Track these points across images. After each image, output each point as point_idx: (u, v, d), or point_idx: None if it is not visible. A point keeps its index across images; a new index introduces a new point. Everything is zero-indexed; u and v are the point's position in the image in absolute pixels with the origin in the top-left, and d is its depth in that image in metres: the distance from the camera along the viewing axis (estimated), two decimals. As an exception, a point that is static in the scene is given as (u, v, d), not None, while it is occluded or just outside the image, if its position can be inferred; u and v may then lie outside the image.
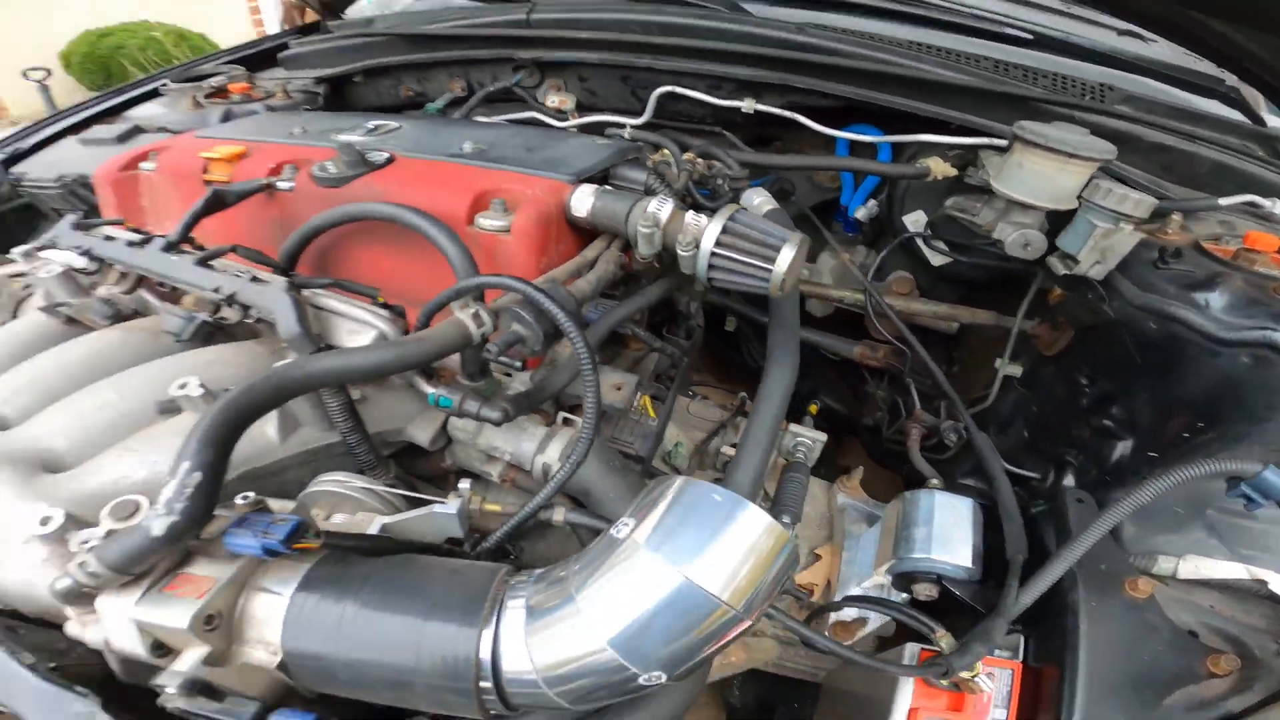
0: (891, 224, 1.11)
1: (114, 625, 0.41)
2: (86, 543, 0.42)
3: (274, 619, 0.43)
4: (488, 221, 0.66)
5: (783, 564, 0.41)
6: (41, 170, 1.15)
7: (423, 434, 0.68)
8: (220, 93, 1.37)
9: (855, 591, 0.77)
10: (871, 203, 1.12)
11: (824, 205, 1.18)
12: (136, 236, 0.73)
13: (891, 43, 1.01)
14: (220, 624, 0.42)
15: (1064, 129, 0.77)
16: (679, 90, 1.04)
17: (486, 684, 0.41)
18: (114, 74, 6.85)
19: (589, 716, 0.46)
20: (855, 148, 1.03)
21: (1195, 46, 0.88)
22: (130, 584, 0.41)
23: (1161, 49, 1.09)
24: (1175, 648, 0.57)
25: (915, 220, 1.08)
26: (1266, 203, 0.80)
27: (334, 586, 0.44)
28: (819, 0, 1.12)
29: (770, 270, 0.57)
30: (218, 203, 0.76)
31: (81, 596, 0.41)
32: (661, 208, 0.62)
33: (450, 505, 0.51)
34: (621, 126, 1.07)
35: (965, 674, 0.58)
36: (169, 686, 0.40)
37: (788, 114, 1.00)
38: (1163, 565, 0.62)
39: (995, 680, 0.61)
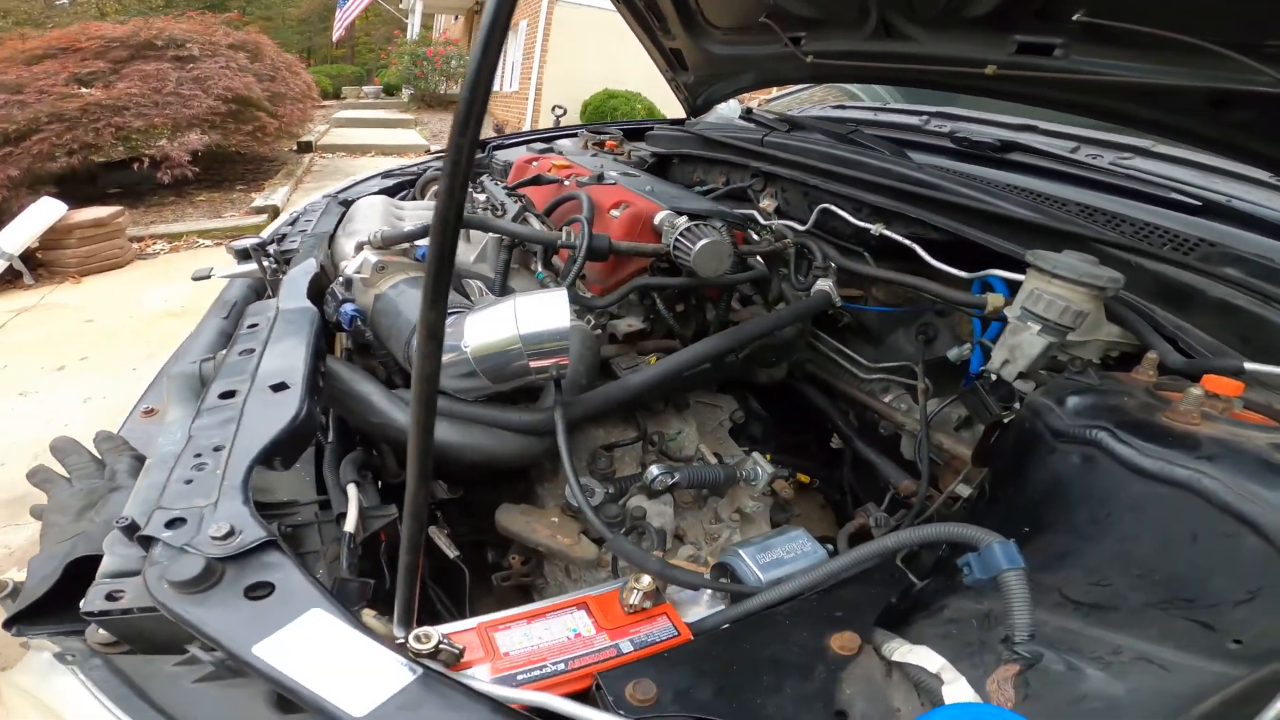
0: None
1: (359, 260, 1.00)
2: (380, 235, 1.03)
3: (391, 281, 0.96)
4: (614, 211, 1.15)
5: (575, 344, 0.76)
6: (501, 156, 2.11)
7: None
8: (600, 145, 2.23)
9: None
10: (965, 346, 1.22)
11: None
12: (502, 188, 1.45)
13: (999, 186, 1.13)
14: (383, 273, 0.97)
15: (1071, 256, 0.81)
16: (831, 208, 1.36)
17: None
18: (603, 125, 9.73)
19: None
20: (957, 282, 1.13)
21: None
22: (379, 247, 1.01)
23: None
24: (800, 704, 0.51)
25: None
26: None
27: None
28: (980, 158, 1.30)
29: (691, 249, 0.94)
30: (536, 180, 1.43)
31: (359, 249, 1.02)
32: (677, 223, 1.02)
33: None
34: (793, 231, 1.42)
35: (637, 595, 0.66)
36: (347, 282, 0.96)
37: (905, 241, 1.18)
38: (889, 646, 0.58)
39: (656, 624, 0.65)
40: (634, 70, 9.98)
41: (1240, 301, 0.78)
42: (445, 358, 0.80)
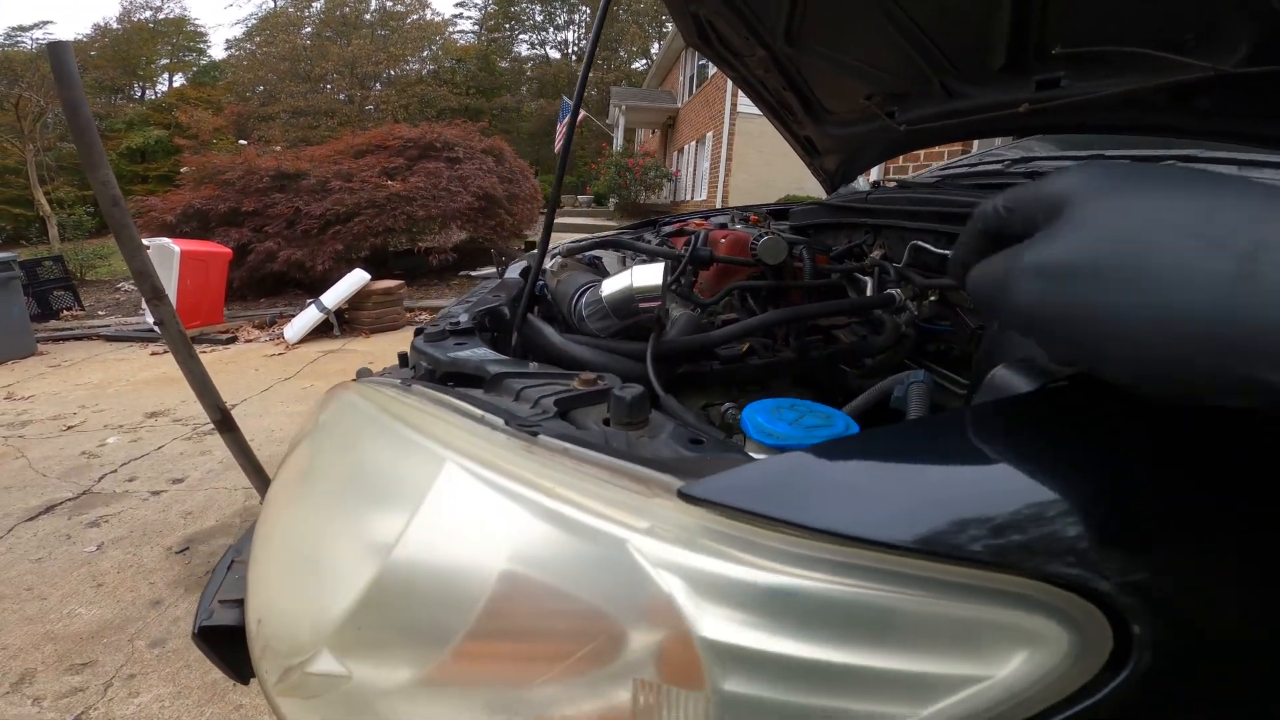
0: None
1: (553, 262, 1.56)
2: (566, 248, 1.59)
3: (567, 272, 1.49)
4: (721, 237, 1.59)
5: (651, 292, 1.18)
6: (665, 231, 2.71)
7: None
8: (745, 220, 2.71)
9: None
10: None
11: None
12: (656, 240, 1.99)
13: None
14: (564, 269, 1.51)
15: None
16: (919, 244, 1.63)
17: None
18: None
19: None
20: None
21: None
22: (565, 254, 1.56)
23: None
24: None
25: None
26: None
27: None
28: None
29: (758, 244, 1.31)
30: (680, 232, 1.95)
31: (555, 257, 1.58)
32: (766, 237, 1.41)
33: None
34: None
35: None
36: (543, 271, 1.51)
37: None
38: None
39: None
40: (814, 178, 10.66)
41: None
42: (589, 310, 1.28)
